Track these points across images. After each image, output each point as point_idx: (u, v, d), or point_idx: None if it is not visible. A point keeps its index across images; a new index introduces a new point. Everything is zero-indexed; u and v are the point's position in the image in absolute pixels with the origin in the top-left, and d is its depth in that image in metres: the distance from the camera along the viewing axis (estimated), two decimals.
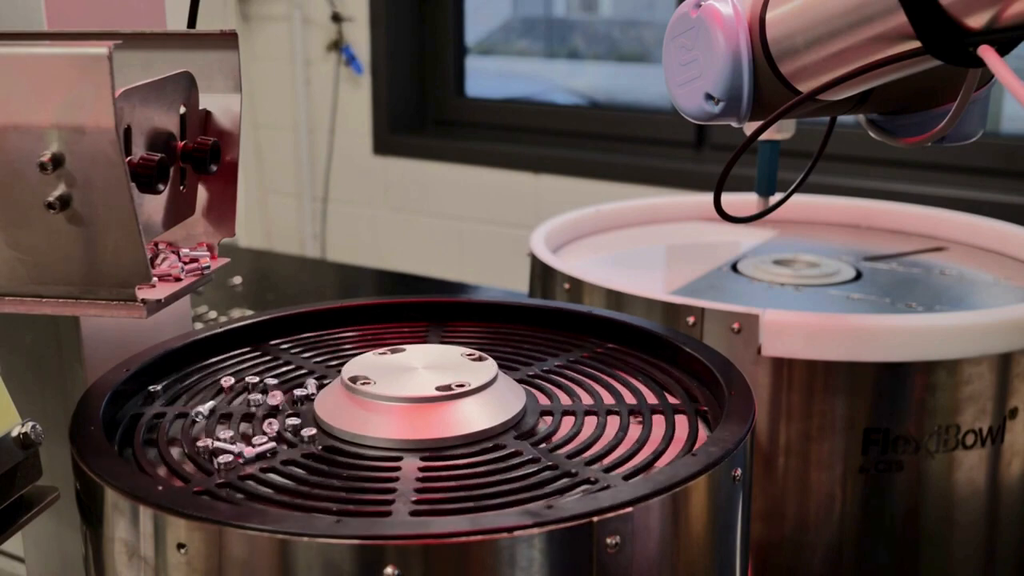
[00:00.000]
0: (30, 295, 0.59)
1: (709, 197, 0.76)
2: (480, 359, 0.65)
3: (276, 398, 0.66)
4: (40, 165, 0.54)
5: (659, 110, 2.40)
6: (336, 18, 2.57)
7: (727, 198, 0.71)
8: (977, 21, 0.53)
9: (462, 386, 0.61)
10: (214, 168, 0.64)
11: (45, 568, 0.77)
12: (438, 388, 0.61)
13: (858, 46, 0.60)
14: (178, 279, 0.63)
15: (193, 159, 0.63)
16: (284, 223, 2.81)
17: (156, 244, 0.67)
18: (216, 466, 0.57)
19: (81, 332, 0.70)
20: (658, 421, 0.63)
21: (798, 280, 1.10)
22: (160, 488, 0.52)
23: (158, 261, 0.65)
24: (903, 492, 0.91)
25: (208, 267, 0.65)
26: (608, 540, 0.49)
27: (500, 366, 0.69)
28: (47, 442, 0.57)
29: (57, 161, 0.54)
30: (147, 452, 0.60)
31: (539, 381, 0.68)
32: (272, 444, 0.59)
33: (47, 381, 0.73)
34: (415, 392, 0.60)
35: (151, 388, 0.68)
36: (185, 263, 0.65)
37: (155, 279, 0.62)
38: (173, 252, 0.67)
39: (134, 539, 0.52)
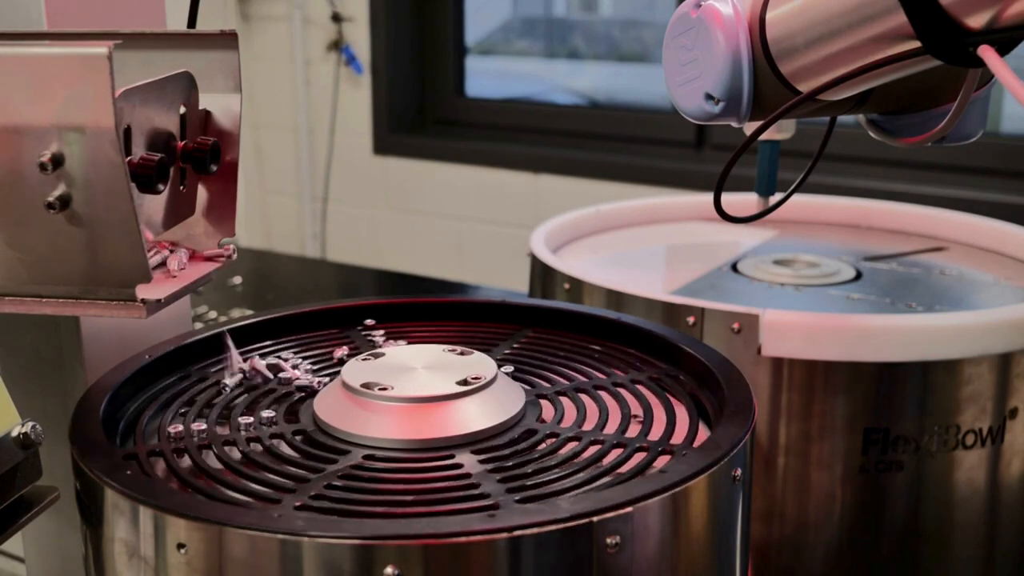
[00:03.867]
0: (30, 295, 0.58)
1: (709, 197, 0.76)
2: (483, 362, 0.65)
3: (278, 395, 0.66)
4: (40, 165, 0.54)
5: (659, 110, 2.40)
6: (336, 18, 2.57)
7: (727, 198, 0.71)
8: (977, 21, 0.53)
9: (457, 386, 0.61)
10: (214, 168, 0.64)
11: (45, 568, 0.77)
12: (429, 388, 0.61)
13: (858, 46, 0.60)
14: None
15: (193, 159, 0.63)
16: (284, 223, 2.81)
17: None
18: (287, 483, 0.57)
19: (81, 332, 0.70)
20: (658, 415, 0.62)
21: (798, 280, 1.10)
22: (160, 488, 0.53)
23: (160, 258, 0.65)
24: (903, 492, 0.91)
25: (233, 254, 0.66)
26: (608, 540, 0.49)
27: (521, 372, 0.69)
28: (47, 442, 0.57)
29: (57, 161, 0.54)
30: (147, 452, 0.60)
31: (538, 382, 0.68)
32: (252, 432, 0.61)
33: (47, 381, 0.73)
34: (407, 392, 0.61)
35: (152, 388, 0.68)
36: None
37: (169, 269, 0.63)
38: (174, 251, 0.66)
39: (134, 539, 0.52)
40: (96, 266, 0.56)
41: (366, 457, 0.58)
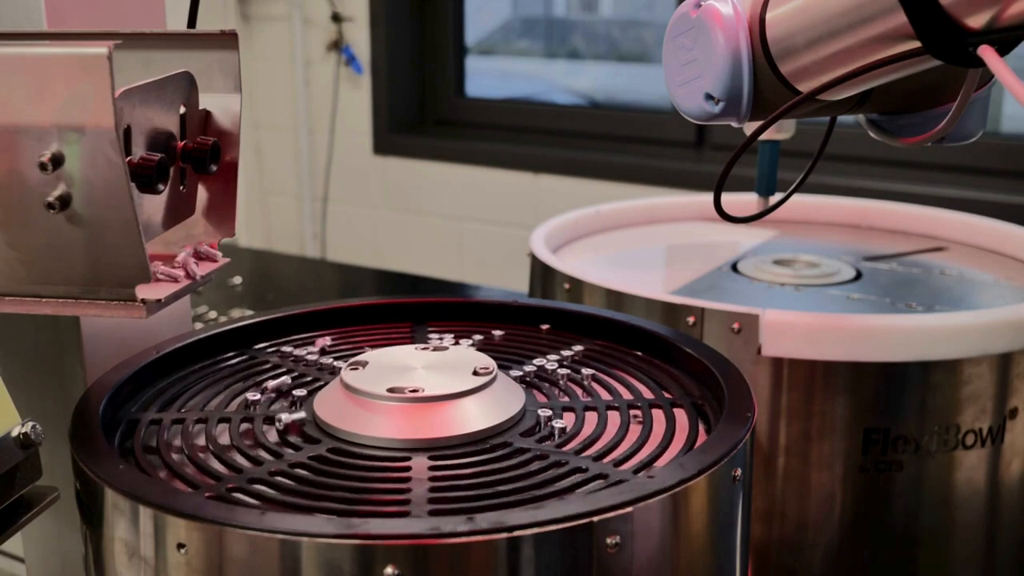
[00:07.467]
0: (30, 295, 0.58)
1: (709, 197, 0.76)
2: (481, 359, 0.65)
3: (276, 398, 0.66)
4: (40, 165, 0.54)
5: (659, 110, 2.40)
6: (336, 18, 2.57)
7: (727, 198, 0.71)
8: (977, 21, 0.53)
9: (462, 385, 0.61)
10: (214, 168, 0.64)
11: (45, 568, 0.77)
12: (437, 388, 0.61)
13: (858, 46, 0.60)
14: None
15: (193, 159, 0.63)
16: (284, 223, 2.81)
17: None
18: (225, 470, 0.57)
19: (81, 332, 0.70)
20: (657, 416, 0.63)
21: (798, 280, 1.10)
22: (160, 488, 0.52)
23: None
24: (903, 492, 0.91)
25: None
26: (608, 540, 0.49)
27: (499, 366, 0.69)
28: (47, 442, 0.57)
29: (57, 161, 0.54)
30: (147, 452, 0.60)
31: (538, 380, 0.68)
32: (275, 446, 0.60)
33: (47, 381, 0.73)
34: (415, 392, 0.60)
35: (151, 388, 0.68)
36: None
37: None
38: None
39: (134, 539, 0.52)
40: (96, 266, 0.56)
41: (432, 458, 0.57)
